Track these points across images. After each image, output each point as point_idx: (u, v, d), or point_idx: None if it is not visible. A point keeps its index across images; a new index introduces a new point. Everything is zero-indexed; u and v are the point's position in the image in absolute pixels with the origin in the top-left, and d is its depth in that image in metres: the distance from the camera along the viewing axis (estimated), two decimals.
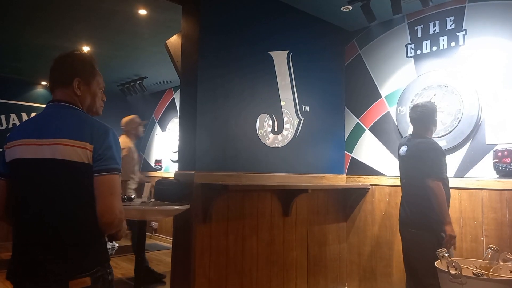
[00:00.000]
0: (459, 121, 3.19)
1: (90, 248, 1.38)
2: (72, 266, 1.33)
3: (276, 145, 3.41)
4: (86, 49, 4.93)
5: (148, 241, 4.92)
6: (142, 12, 3.79)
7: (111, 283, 1.44)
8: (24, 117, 6.68)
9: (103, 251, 1.44)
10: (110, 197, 1.34)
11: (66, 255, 1.33)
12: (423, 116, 2.84)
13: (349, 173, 3.99)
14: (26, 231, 1.37)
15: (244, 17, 3.25)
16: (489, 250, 2.78)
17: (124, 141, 4.11)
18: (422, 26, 3.55)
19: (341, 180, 3.95)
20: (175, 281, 2.92)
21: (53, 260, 1.32)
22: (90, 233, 1.38)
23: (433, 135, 2.94)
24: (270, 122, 3.38)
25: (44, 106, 1.52)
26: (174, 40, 3.58)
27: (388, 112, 3.72)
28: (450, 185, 3.21)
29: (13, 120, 6.51)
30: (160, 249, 5.99)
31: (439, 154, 2.74)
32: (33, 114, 6.75)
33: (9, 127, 6.42)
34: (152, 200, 2.84)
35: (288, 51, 3.56)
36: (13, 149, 1.40)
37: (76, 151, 1.33)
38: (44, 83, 6.87)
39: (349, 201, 3.89)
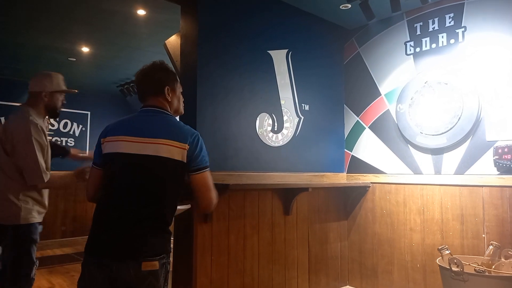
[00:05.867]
0: (459, 118, 3.19)
1: (164, 235, 1.55)
2: (148, 248, 1.48)
3: (276, 144, 3.41)
4: (85, 50, 4.94)
5: None
6: (141, 12, 3.79)
7: (168, 273, 1.59)
8: None
9: (169, 241, 1.60)
10: (209, 192, 1.64)
11: (146, 238, 1.49)
12: None
13: (349, 171, 3.99)
14: (117, 213, 1.51)
15: (242, 17, 3.24)
16: (491, 247, 2.78)
17: None
18: (421, 23, 3.55)
19: (341, 178, 3.95)
20: (176, 281, 2.92)
21: (133, 240, 1.48)
22: (169, 222, 1.58)
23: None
24: (270, 121, 3.38)
25: None
26: (173, 40, 3.58)
27: (388, 110, 3.72)
28: (451, 182, 3.24)
29: None
30: None
31: None
32: None
33: None
34: None
35: (287, 50, 3.56)
36: (114, 143, 1.58)
37: (176, 150, 1.55)
38: None
39: (349, 199, 3.89)
